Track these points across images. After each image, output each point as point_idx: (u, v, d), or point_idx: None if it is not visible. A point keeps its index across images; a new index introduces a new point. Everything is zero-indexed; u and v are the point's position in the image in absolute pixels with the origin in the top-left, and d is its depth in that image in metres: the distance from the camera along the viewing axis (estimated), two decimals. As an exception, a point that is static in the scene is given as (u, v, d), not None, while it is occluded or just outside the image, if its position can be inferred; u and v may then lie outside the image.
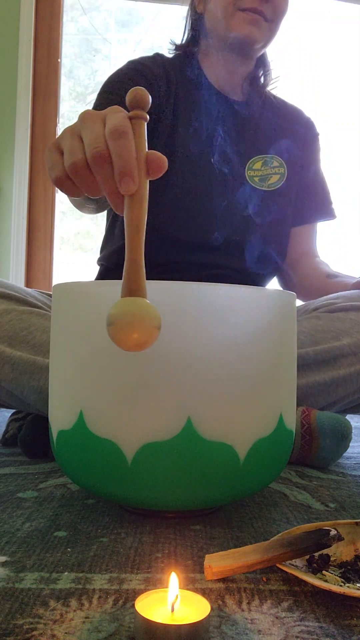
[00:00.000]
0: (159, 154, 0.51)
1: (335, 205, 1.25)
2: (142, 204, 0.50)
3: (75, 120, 0.56)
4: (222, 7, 1.05)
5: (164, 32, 2.33)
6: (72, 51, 2.37)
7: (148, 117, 0.52)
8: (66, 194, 0.56)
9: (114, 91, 1.03)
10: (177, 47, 1.16)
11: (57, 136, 2.21)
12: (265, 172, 1.13)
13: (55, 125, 2.18)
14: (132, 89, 0.52)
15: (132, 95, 0.51)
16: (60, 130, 2.19)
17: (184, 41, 1.16)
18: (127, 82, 1.04)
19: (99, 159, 0.50)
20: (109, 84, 1.06)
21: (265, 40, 1.07)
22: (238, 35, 1.05)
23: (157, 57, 1.13)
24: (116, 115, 0.51)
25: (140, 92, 0.51)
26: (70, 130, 0.55)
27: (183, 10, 1.16)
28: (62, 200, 2.25)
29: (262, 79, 1.17)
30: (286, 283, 1.24)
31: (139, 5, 2.36)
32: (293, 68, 2.27)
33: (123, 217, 0.51)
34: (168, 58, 1.14)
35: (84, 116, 0.54)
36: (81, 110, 1.06)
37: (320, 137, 1.25)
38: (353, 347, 0.92)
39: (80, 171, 0.52)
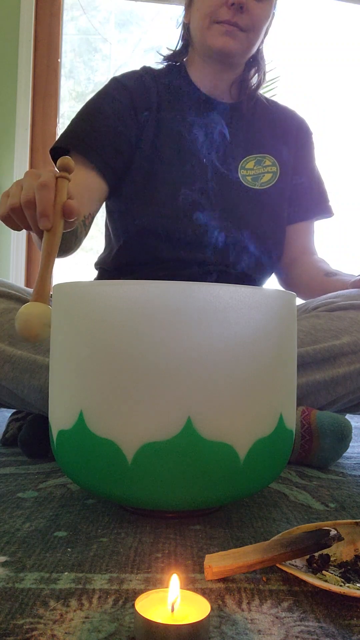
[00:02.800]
0: (73, 203, 0.70)
1: (332, 202, 1.25)
2: (55, 237, 0.69)
3: None
4: (200, 20, 1.07)
5: (163, 32, 2.33)
6: (71, 51, 2.37)
7: (70, 177, 0.72)
8: (9, 227, 0.74)
9: (87, 120, 1.09)
10: (165, 58, 1.19)
11: (56, 136, 2.24)
12: (258, 171, 1.14)
13: (56, 125, 2.18)
14: (61, 158, 0.72)
15: (60, 162, 0.71)
16: (60, 130, 2.19)
17: (177, 48, 1.18)
18: (101, 117, 1.09)
19: (27, 204, 0.69)
20: (87, 113, 1.11)
21: (244, 49, 1.08)
22: (214, 47, 1.07)
23: (142, 71, 1.16)
24: (46, 174, 0.70)
25: (65, 161, 0.72)
26: (16, 182, 0.74)
27: (182, 11, 1.17)
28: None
29: (254, 80, 1.17)
30: (285, 281, 1.24)
31: (139, 5, 2.36)
32: (293, 69, 2.27)
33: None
34: (154, 70, 1.17)
35: (26, 173, 0.73)
36: None
37: (314, 135, 1.25)
38: (352, 346, 0.92)
39: (16, 211, 0.71)
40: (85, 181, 1.05)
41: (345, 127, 2.37)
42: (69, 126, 1.11)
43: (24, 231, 2.37)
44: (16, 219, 0.72)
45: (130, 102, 1.10)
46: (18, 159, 2.13)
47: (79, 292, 0.60)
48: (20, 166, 2.13)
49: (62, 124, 2.21)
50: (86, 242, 1.08)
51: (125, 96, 1.10)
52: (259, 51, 1.15)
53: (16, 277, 2.13)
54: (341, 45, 2.37)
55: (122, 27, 2.42)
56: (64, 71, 2.27)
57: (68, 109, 2.31)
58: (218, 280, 1.06)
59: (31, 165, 2.17)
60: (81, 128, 1.08)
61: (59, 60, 2.20)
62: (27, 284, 2.16)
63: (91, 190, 1.05)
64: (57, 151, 1.10)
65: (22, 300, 0.96)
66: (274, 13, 1.11)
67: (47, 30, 2.19)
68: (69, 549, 0.56)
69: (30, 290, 1.03)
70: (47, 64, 2.19)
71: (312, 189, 1.22)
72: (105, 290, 0.58)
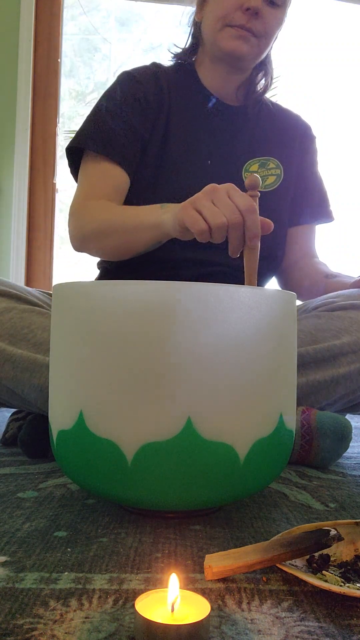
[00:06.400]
0: (268, 220, 0.77)
1: (333, 207, 1.25)
2: (257, 254, 0.77)
3: (74, 119, 0.72)
4: (213, 21, 1.06)
5: (163, 32, 2.33)
6: (71, 50, 2.37)
7: (259, 194, 0.78)
8: (200, 239, 0.79)
9: (107, 125, 1.07)
10: (176, 56, 1.18)
11: (56, 136, 2.21)
12: (262, 173, 1.14)
13: (56, 125, 2.18)
14: (249, 176, 0.78)
15: (249, 180, 0.78)
16: (60, 129, 2.19)
17: (186, 46, 1.17)
18: (119, 112, 1.08)
19: (236, 225, 0.76)
20: (102, 110, 1.09)
21: (254, 54, 1.08)
22: (225, 50, 1.06)
23: (153, 67, 1.15)
24: (242, 194, 0.77)
25: (254, 179, 0.77)
26: (203, 197, 0.79)
27: (182, 10, 1.16)
28: (62, 200, 2.25)
29: (261, 84, 1.17)
30: (285, 283, 1.24)
31: (139, 5, 2.36)
32: (293, 69, 2.27)
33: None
34: (164, 67, 1.16)
35: (213, 189, 0.78)
36: (81, 109, 1.10)
37: (317, 140, 1.25)
38: (353, 346, 0.92)
39: (222, 229, 0.76)
40: (115, 181, 1.06)
41: (345, 127, 2.37)
42: (87, 124, 1.09)
43: (23, 232, 2.35)
44: (216, 235, 0.78)
45: (144, 98, 1.09)
46: (18, 159, 2.13)
47: (79, 292, 0.60)
48: (20, 166, 2.13)
49: (62, 124, 2.21)
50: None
51: (140, 92, 1.09)
52: (267, 56, 1.14)
53: (16, 277, 2.13)
54: (341, 45, 2.37)
55: (122, 27, 2.42)
56: (63, 71, 2.27)
57: (68, 109, 2.31)
58: (219, 281, 1.06)
59: (31, 165, 2.17)
60: (101, 127, 1.07)
61: (59, 60, 2.20)
62: (27, 283, 2.16)
63: (119, 190, 1.06)
64: (72, 147, 1.09)
65: (22, 300, 0.96)
66: (284, 19, 1.10)
67: (47, 30, 2.19)
68: (69, 549, 0.56)
69: (32, 289, 1.03)
70: (47, 64, 2.19)
71: (314, 193, 1.22)
72: (105, 290, 0.58)
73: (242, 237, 0.77)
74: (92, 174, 1.07)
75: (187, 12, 1.16)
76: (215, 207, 0.77)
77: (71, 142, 1.09)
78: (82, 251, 1.08)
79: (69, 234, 1.08)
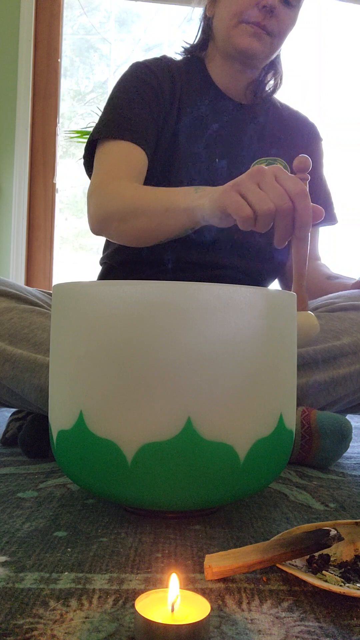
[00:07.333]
0: (319, 207, 0.71)
1: (337, 210, 1.25)
2: (307, 244, 0.72)
3: (74, 119, 0.64)
4: (227, 17, 1.05)
5: (162, 32, 2.33)
6: (71, 50, 2.38)
7: (309, 177, 0.73)
8: (243, 227, 0.74)
9: (124, 110, 1.05)
10: (186, 50, 1.17)
11: (56, 136, 2.19)
12: None
13: (55, 125, 2.18)
14: (298, 157, 0.72)
15: (298, 162, 0.72)
16: (60, 129, 2.19)
17: (196, 41, 1.16)
18: (135, 97, 1.05)
19: (286, 212, 0.70)
20: (117, 97, 1.07)
21: (267, 53, 1.07)
22: (238, 47, 1.05)
23: (164, 59, 1.14)
24: (292, 177, 0.71)
25: (304, 160, 0.72)
26: (248, 180, 0.72)
27: (181, 10, 1.16)
28: (62, 200, 2.25)
29: (270, 84, 1.16)
30: (287, 284, 1.24)
31: (138, 5, 2.36)
32: (293, 69, 2.27)
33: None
34: (175, 61, 1.15)
35: (259, 171, 0.72)
36: (80, 109, 1.08)
37: (323, 142, 1.25)
38: (353, 347, 0.92)
39: (269, 215, 0.70)
40: (135, 161, 1.01)
41: (345, 128, 2.37)
42: (105, 115, 1.07)
43: (23, 232, 2.34)
44: (261, 223, 0.71)
45: (158, 86, 1.08)
46: (18, 159, 2.13)
47: (79, 292, 0.60)
48: (20, 166, 2.13)
49: (62, 124, 2.21)
50: (86, 242, 1.06)
51: (154, 79, 1.08)
52: (277, 56, 1.14)
53: (16, 277, 2.13)
54: (341, 46, 2.37)
55: (121, 27, 2.42)
56: (62, 70, 2.27)
57: (67, 109, 2.31)
58: (222, 282, 1.06)
59: (31, 165, 2.17)
60: (119, 112, 1.05)
61: (59, 60, 2.20)
62: (27, 283, 2.16)
63: (142, 171, 1.02)
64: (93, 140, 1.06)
65: (22, 300, 0.95)
66: (296, 21, 1.10)
67: (47, 30, 2.19)
68: (69, 549, 0.56)
69: (32, 289, 1.03)
70: (47, 64, 2.19)
71: (319, 196, 1.22)
72: (105, 290, 0.58)
73: (290, 225, 0.70)
74: (112, 155, 1.02)
75: (188, 10, 1.15)
76: (261, 191, 0.70)
77: (91, 136, 1.06)
78: (101, 234, 1.02)
79: (88, 214, 1.01)
